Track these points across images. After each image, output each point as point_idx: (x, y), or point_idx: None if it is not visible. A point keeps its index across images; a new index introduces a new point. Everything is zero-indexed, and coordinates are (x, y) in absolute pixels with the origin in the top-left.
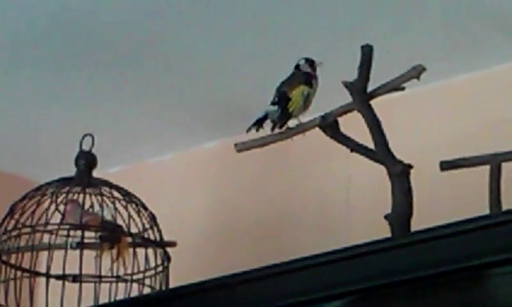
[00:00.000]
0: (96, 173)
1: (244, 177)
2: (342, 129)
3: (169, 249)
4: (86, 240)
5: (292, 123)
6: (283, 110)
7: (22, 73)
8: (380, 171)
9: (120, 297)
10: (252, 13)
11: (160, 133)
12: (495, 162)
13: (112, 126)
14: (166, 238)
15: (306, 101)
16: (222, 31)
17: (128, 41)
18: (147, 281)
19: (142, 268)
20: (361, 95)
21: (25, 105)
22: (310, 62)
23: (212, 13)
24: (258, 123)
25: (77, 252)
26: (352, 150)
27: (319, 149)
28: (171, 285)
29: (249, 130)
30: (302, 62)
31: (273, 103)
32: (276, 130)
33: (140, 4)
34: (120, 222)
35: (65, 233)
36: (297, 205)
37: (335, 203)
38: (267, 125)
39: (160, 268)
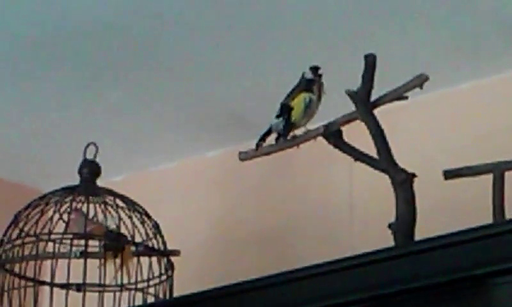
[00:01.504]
0: (100, 182)
1: (247, 185)
2: (346, 138)
3: (172, 258)
4: (89, 249)
5: (298, 131)
6: (286, 121)
7: (24, 82)
8: (383, 179)
9: (124, 306)
10: (256, 22)
11: (163, 142)
12: (498, 170)
13: (116, 134)
14: (169, 246)
15: (309, 107)
16: (226, 40)
17: (133, 50)
18: (151, 290)
19: (146, 277)
20: (364, 104)
21: (28, 113)
22: (314, 70)
23: (217, 21)
24: (262, 138)
25: (81, 261)
26: (356, 159)
27: (322, 157)
28: (175, 294)
29: (257, 146)
30: (306, 70)
31: (277, 116)
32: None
33: (145, 11)
34: (123, 231)
35: (69, 242)
36: (300, 214)
37: (338, 211)
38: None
39: (164, 277)
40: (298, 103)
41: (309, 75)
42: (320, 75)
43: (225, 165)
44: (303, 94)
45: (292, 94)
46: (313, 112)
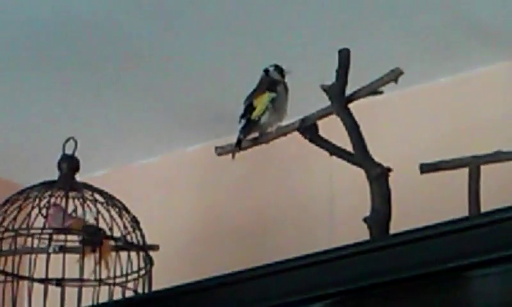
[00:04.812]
0: (80, 177)
1: (227, 180)
2: (323, 132)
3: (153, 252)
4: (69, 244)
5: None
6: (247, 120)
7: (2, 76)
8: (362, 173)
9: (103, 300)
10: (232, 17)
11: (143, 137)
12: (474, 164)
13: (96, 129)
14: (150, 241)
15: (274, 107)
16: (204, 35)
17: (112, 44)
18: (130, 285)
19: (125, 272)
20: (339, 99)
21: (6, 107)
22: (279, 70)
23: (193, 17)
24: (238, 144)
25: (60, 256)
26: (331, 154)
27: (301, 151)
28: (155, 288)
29: (233, 152)
30: (271, 69)
31: (241, 116)
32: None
33: (124, 7)
34: (102, 225)
35: (48, 236)
36: (280, 207)
37: (317, 205)
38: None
39: (142, 272)
40: (261, 103)
41: (275, 75)
42: (284, 76)
43: (206, 160)
44: (266, 94)
45: (255, 93)
46: (280, 109)
